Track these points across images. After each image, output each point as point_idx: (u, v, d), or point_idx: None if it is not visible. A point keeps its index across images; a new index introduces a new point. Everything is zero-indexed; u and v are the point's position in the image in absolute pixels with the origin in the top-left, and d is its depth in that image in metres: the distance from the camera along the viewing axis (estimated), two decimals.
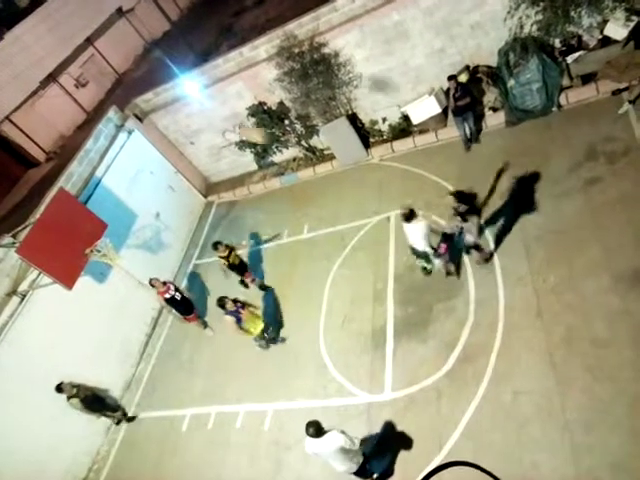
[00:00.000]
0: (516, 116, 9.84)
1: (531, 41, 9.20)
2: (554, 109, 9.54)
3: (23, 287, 9.35)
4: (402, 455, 6.80)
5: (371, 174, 11.22)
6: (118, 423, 9.91)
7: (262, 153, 12.72)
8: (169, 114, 12.92)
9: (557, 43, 9.47)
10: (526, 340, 6.92)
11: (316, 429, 5.49)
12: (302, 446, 7.49)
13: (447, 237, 7.63)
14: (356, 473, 6.09)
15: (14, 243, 9.07)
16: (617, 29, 8.89)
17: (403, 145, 11.28)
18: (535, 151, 9.07)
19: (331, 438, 5.54)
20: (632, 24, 8.72)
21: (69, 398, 8.84)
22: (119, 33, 21.11)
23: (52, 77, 18.66)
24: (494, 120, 10.26)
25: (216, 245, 9.45)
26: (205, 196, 14.16)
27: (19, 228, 9.35)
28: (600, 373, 6.14)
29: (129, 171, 11.99)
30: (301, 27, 10.57)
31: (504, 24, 9.19)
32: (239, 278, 10.16)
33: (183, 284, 12.05)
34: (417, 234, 7.43)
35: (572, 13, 8.76)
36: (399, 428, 7.05)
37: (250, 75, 11.54)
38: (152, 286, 9.59)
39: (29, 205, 11.84)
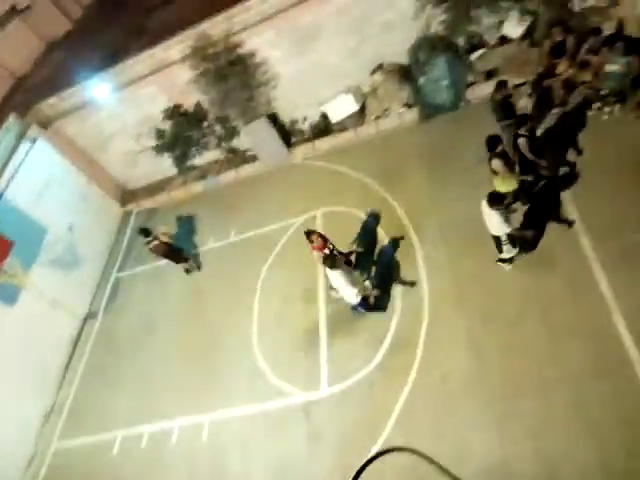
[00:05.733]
0: (428, 111, 10.30)
1: (438, 40, 9.67)
2: (462, 104, 10.10)
3: None
4: (340, 447, 6.90)
5: (295, 174, 11.23)
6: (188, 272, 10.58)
7: (182, 157, 12.28)
8: (77, 120, 12.08)
9: (462, 42, 10.01)
10: (449, 325, 7.27)
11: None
12: (244, 450, 7.45)
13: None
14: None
15: None
16: (513, 28, 9.59)
17: (325, 143, 11.40)
18: (447, 144, 9.52)
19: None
20: (525, 24, 9.43)
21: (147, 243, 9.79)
22: (14, 34, 19.39)
23: None
24: (408, 116, 10.65)
25: None
26: (123, 205, 13.44)
27: None
28: (514, 350, 6.63)
29: (36, 182, 11.04)
30: (214, 27, 10.32)
31: (413, 23, 9.56)
32: None
33: (105, 298, 11.39)
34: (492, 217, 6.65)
35: (472, 13, 9.32)
36: (337, 422, 7.14)
37: (164, 77, 11.08)
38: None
39: None
